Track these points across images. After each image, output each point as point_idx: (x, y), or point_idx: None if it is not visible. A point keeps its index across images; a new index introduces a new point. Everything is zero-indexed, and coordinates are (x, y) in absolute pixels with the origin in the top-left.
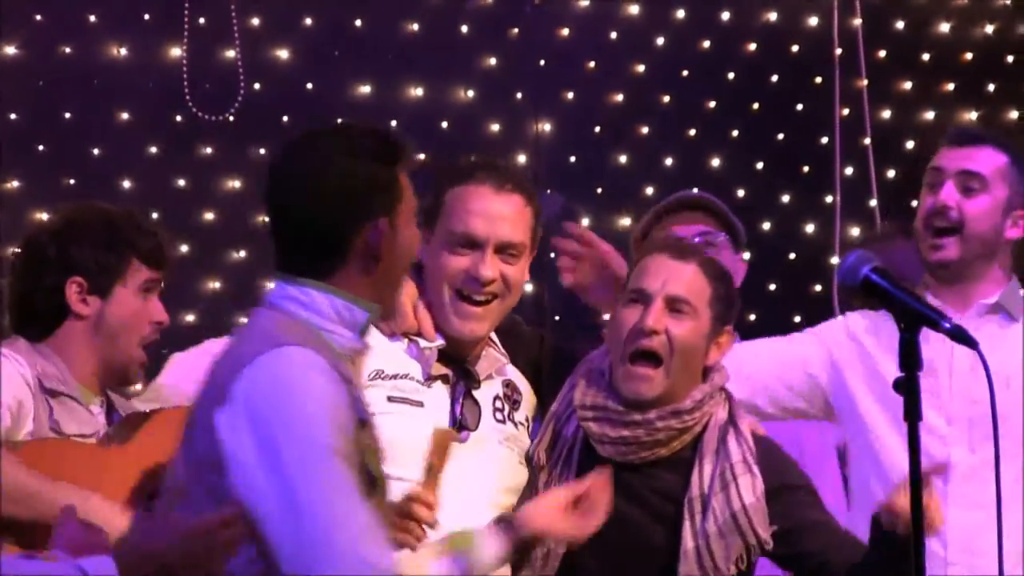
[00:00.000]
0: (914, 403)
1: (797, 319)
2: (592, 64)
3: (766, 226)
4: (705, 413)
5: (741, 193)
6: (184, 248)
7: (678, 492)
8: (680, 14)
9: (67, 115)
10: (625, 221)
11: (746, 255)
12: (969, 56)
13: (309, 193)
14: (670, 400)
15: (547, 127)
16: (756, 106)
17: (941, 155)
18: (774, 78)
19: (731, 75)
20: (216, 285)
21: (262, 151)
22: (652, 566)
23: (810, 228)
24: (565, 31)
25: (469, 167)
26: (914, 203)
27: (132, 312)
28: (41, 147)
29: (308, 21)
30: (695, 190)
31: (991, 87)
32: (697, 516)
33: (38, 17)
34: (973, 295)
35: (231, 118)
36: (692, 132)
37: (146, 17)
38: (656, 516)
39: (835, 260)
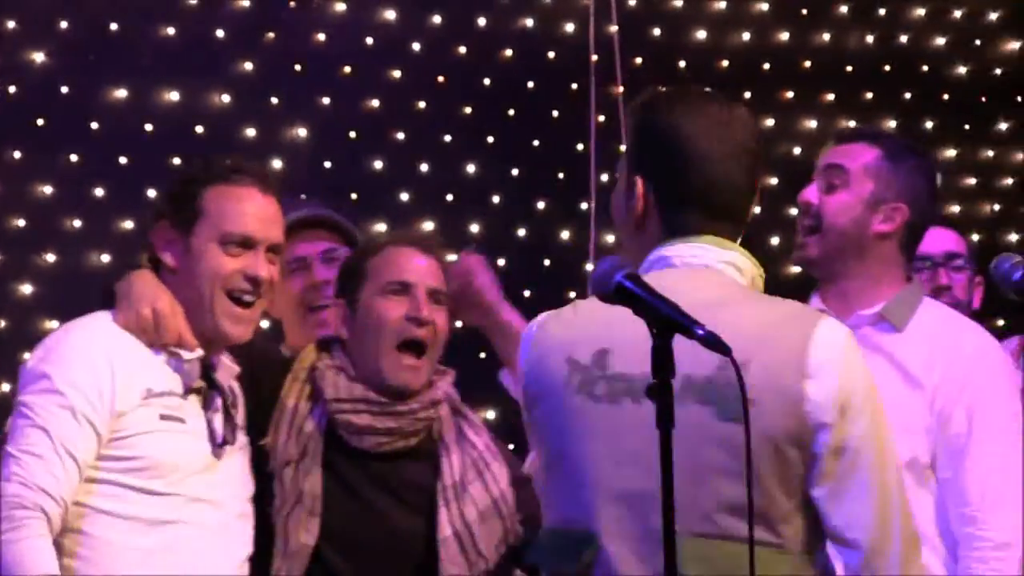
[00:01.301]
0: (667, 409)
1: None
2: (348, 69)
3: (521, 232)
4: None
5: (496, 199)
6: None
7: (428, 481)
8: (436, 20)
9: None
10: (381, 227)
11: None
12: (725, 64)
13: (722, 151)
14: (425, 390)
15: (303, 132)
16: (512, 112)
17: (821, 155)
18: (530, 84)
19: (487, 81)
20: None
21: (17, 154)
22: (411, 557)
23: (565, 235)
24: (321, 36)
25: (228, 168)
26: None
27: None
28: None
29: (64, 24)
30: (310, 211)
31: (747, 95)
32: (453, 504)
33: None
34: (852, 296)
35: None
36: (448, 138)
37: None
38: (410, 506)
39: (590, 267)
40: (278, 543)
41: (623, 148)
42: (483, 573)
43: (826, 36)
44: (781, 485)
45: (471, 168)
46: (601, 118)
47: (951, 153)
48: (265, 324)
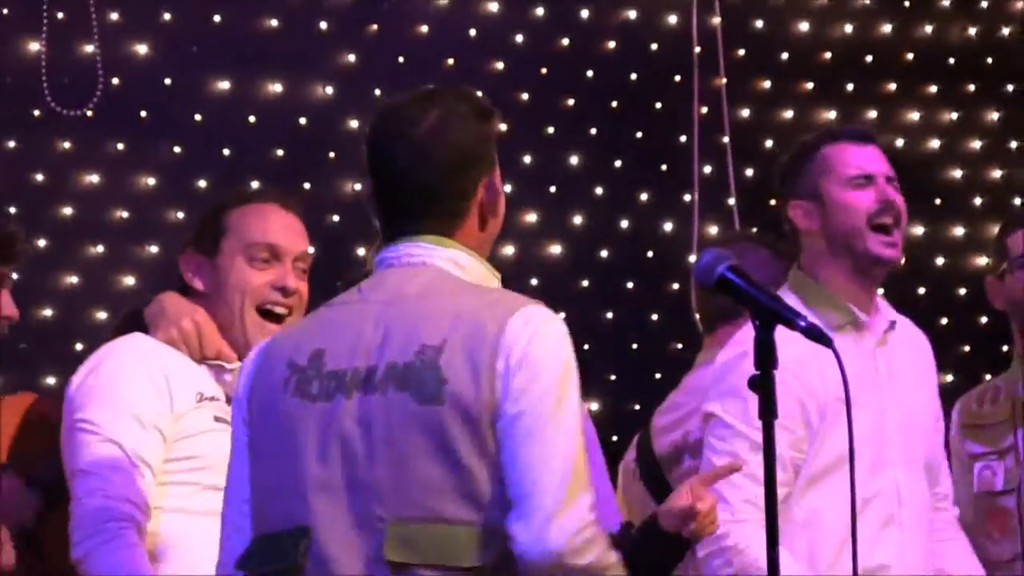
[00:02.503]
0: (770, 401)
1: (654, 317)
2: (450, 61)
3: (624, 224)
4: None
5: (599, 191)
6: (41, 243)
7: None
8: (539, 12)
9: None
10: None
11: None
12: (828, 56)
13: (425, 154)
14: None
15: None
16: (615, 104)
17: (858, 155)
18: (633, 76)
19: (590, 73)
20: (73, 280)
21: (120, 146)
22: None
23: (668, 227)
24: (424, 28)
25: (246, 193)
26: (772, 202)
27: None
28: None
29: (167, 16)
30: None
31: (850, 87)
32: None
33: None
34: (876, 297)
35: (89, 113)
36: (551, 130)
37: (4, 11)
38: None
39: (692, 259)
40: None
41: (725, 140)
42: None
43: (928, 28)
44: (481, 463)
45: (574, 160)
46: (704, 110)
47: None
48: None
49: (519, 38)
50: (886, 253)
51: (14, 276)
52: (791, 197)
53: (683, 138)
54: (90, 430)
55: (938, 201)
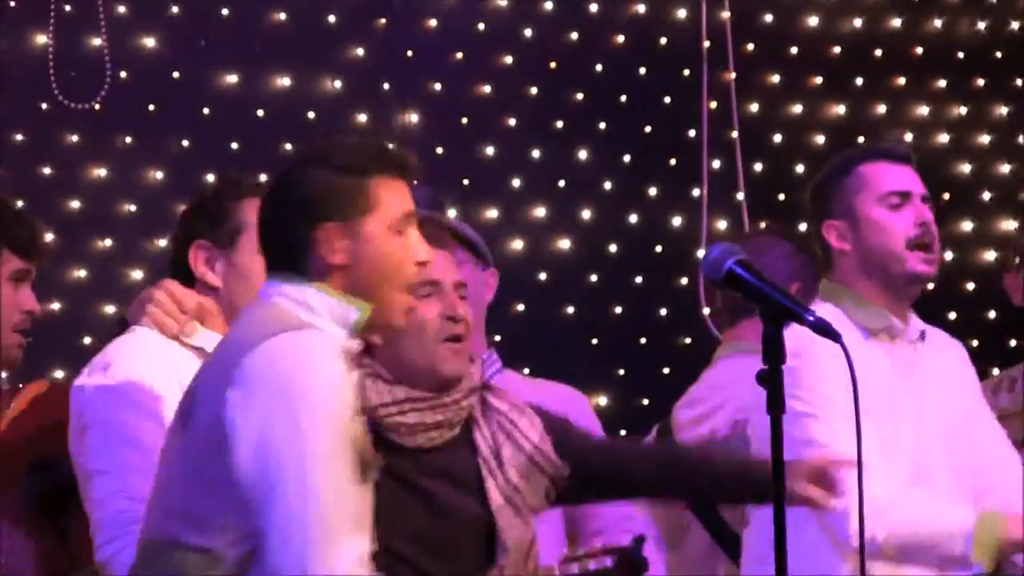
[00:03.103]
0: (777, 396)
1: (663, 312)
2: (459, 55)
3: (633, 219)
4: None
5: (608, 186)
6: (49, 236)
7: (470, 460)
8: (548, 6)
9: None
10: (492, 213)
11: (494, 272)
12: (837, 50)
13: (271, 199)
14: (464, 379)
15: (414, 118)
16: (623, 99)
17: (894, 175)
18: (642, 71)
19: (598, 67)
20: (81, 274)
21: (128, 139)
22: (474, 536)
23: (677, 221)
24: (432, 22)
25: (258, 184)
26: (781, 196)
27: (3, 302)
28: None
29: (175, 9)
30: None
31: (859, 81)
32: (496, 471)
33: None
34: (910, 313)
35: (97, 106)
36: (559, 124)
37: (11, 3)
38: (463, 488)
39: (701, 253)
40: None
41: (734, 135)
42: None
43: (937, 22)
44: (209, 491)
45: (583, 154)
46: (713, 104)
47: None
48: None
49: (528, 32)
50: (925, 269)
51: None
52: (825, 217)
53: (692, 133)
54: (105, 430)
55: (946, 196)
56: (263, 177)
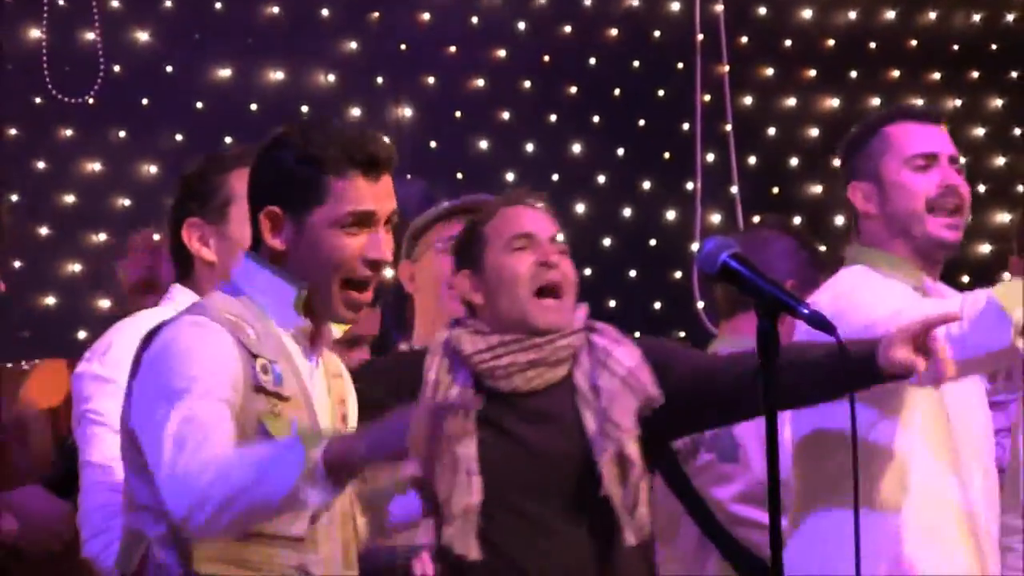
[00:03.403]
0: (771, 390)
1: (657, 306)
2: (453, 49)
3: (627, 213)
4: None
5: (602, 179)
6: (43, 231)
7: (569, 399)
8: (541, 0)
9: None
10: None
11: None
12: (831, 43)
13: (249, 178)
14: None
15: (407, 112)
16: (617, 92)
17: (921, 136)
18: (635, 64)
19: (592, 61)
20: (75, 268)
21: (122, 133)
22: (575, 472)
23: (671, 215)
24: (426, 15)
25: (247, 155)
26: (775, 190)
27: None
28: None
29: (168, 3)
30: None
31: (853, 74)
32: (592, 401)
33: None
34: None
35: (91, 100)
36: (553, 118)
37: None
38: (561, 427)
39: (695, 247)
40: (444, 512)
41: (728, 128)
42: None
43: (932, 15)
44: (137, 478)
45: (576, 148)
46: (707, 97)
47: None
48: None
49: (521, 26)
50: (947, 236)
51: (16, 264)
52: (851, 178)
53: (686, 126)
54: (98, 421)
55: None
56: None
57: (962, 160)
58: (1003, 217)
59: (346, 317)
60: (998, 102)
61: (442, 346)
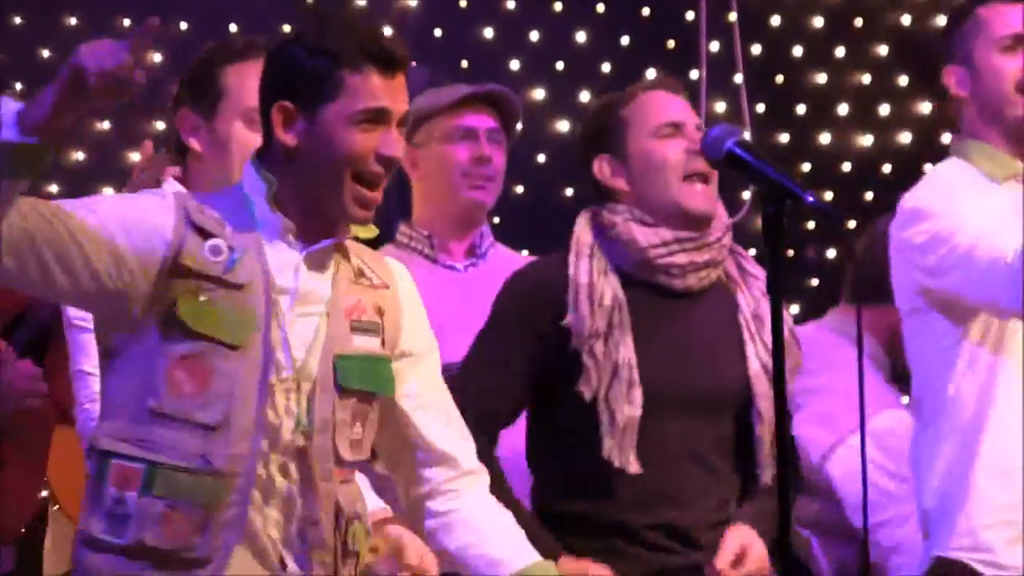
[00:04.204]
0: (777, 277)
1: None
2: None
3: None
4: None
5: (606, 68)
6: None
7: (734, 318)
8: None
9: (17, 20)
10: None
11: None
12: None
13: (262, 74)
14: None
15: (412, 2)
16: None
17: (1012, 16)
18: None
19: None
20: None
21: (127, 22)
22: (730, 403)
23: None
24: None
25: (243, 45)
26: (779, 79)
27: None
28: None
29: (184, 25)
30: (484, 86)
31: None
32: (756, 337)
33: None
34: None
35: None
36: (558, 7)
37: (15, 21)
38: (727, 346)
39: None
40: (603, 422)
41: (732, 17)
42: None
43: None
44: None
45: (580, 37)
46: None
47: None
48: None
49: None
50: None
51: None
52: (946, 62)
53: (690, 15)
54: (81, 327)
55: None
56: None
57: None
58: None
59: (356, 214)
60: None
61: (589, 246)
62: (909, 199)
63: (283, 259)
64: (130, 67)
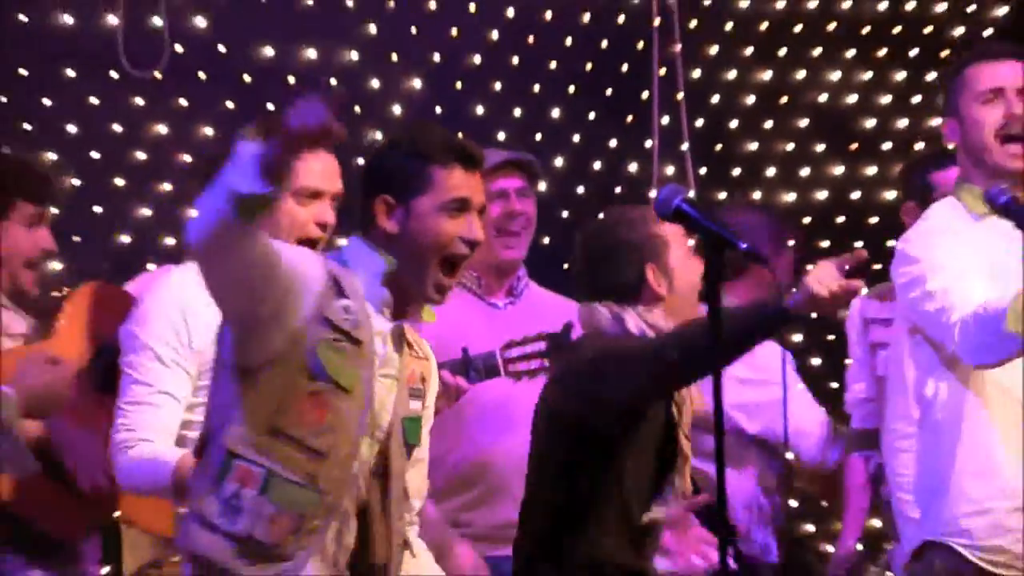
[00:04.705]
0: (718, 314)
1: None
2: (454, 31)
3: (596, 165)
4: None
5: (576, 138)
6: (119, 182)
7: None
8: None
9: (23, 72)
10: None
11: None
12: (764, 26)
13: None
14: None
15: (417, 83)
16: (589, 67)
17: (990, 72)
18: (604, 44)
19: (569, 40)
20: (146, 212)
21: (183, 101)
22: None
23: (632, 167)
24: (432, 4)
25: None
26: (717, 147)
27: (17, 241)
28: (2, 99)
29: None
30: (511, 154)
31: (782, 52)
32: None
33: None
34: None
35: (158, 74)
36: (536, 88)
37: None
38: None
39: (653, 193)
40: None
41: (680, 96)
42: None
43: (847, 3)
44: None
45: (555, 113)
46: (663, 71)
47: None
48: None
49: (510, 12)
50: (1012, 165)
51: (99, 209)
52: (944, 116)
53: (645, 94)
54: (127, 373)
55: (854, 146)
56: None
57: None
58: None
59: (433, 298)
60: (902, 74)
61: None
62: (900, 242)
63: (378, 327)
64: (332, 123)
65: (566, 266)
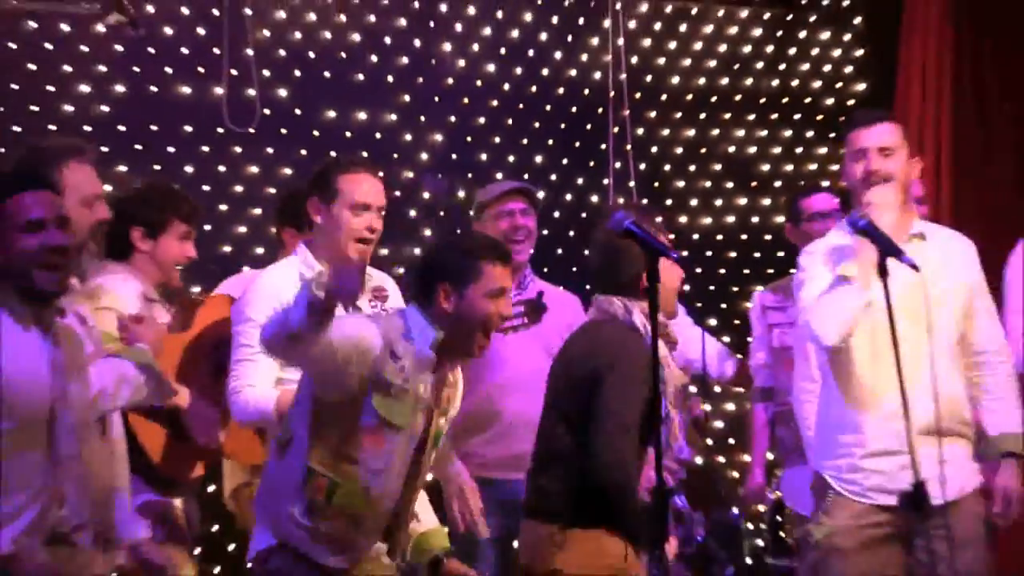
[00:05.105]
0: (655, 310)
1: (587, 252)
2: (466, 100)
3: (568, 197)
4: None
5: (553, 177)
6: (223, 207)
7: None
8: (518, 70)
9: (153, 127)
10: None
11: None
12: (689, 96)
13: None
14: None
15: (439, 138)
16: (563, 126)
17: (855, 135)
18: (573, 109)
19: (548, 107)
20: (242, 229)
21: (269, 149)
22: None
23: (594, 199)
24: (450, 80)
25: (350, 161)
26: (655, 184)
27: (171, 250)
28: (139, 146)
29: (297, 72)
30: (518, 183)
31: (702, 116)
32: None
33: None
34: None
35: (252, 130)
36: (525, 141)
37: (200, 69)
38: None
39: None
40: None
41: (628, 148)
42: None
43: (748, 80)
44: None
45: (539, 158)
46: (616, 129)
47: None
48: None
49: (507, 86)
50: (868, 199)
51: (208, 227)
52: (841, 166)
53: (603, 146)
54: (235, 338)
55: (754, 184)
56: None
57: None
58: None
59: (475, 354)
60: (788, 132)
61: None
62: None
63: (423, 378)
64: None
65: (546, 269)
